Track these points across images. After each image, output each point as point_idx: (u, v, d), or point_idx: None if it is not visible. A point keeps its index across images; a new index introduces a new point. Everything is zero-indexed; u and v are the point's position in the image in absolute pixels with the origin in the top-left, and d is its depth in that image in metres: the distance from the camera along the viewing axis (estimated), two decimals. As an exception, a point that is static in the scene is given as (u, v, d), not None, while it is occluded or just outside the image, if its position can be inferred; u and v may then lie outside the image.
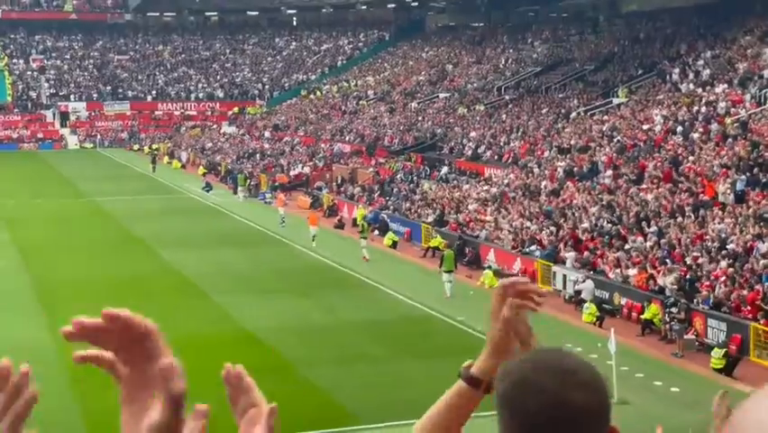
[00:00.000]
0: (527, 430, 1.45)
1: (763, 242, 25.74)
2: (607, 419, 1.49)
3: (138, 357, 1.35)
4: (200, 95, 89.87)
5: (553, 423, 1.44)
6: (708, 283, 25.34)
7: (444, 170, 48.18)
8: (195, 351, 22.94)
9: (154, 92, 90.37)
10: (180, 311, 27.13)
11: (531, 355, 1.55)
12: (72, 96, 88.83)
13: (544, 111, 50.49)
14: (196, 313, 27.13)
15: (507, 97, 56.67)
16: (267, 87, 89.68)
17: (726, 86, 40.17)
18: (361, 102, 71.41)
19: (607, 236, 31.12)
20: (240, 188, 54.12)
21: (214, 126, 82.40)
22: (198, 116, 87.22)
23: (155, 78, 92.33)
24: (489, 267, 32.56)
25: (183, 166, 69.34)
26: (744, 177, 30.45)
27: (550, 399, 1.44)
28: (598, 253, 30.27)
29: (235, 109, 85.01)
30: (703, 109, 38.47)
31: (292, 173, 57.32)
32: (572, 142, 42.27)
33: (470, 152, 48.96)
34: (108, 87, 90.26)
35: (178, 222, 44.20)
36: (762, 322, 22.99)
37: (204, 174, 61.53)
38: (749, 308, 23.54)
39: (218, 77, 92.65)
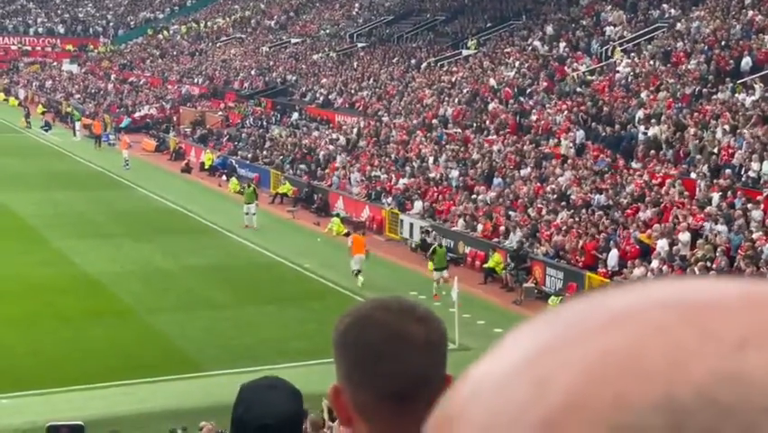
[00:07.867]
0: (367, 362, 1.51)
1: (600, 193, 26.79)
2: (442, 352, 1.57)
3: None
4: (40, 29, 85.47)
5: (392, 352, 1.51)
6: (548, 233, 26.23)
7: (295, 116, 47.79)
8: (32, 295, 22.11)
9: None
10: (15, 254, 26.04)
11: (370, 300, 1.63)
12: None
13: (395, 60, 50.64)
14: (32, 256, 26.06)
15: (359, 45, 56.52)
16: (111, 24, 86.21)
17: (569, 42, 41.28)
18: (211, 44, 69.75)
19: (454, 187, 31.72)
20: (77, 126, 52.29)
21: (55, 64, 78.73)
22: (38, 52, 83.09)
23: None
24: (338, 214, 32.70)
25: (20, 104, 66.14)
26: (582, 131, 31.56)
27: (389, 330, 1.52)
28: (446, 202, 30.82)
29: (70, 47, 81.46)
30: (547, 64, 39.46)
31: (138, 114, 55.60)
32: (422, 92, 42.62)
33: (321, 99, 48.70)
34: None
35: (13, 162, 42.20)
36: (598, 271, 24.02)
37: (43, 113, 58.96)
38: (585, 258, 24.53)
39: (59, 11, 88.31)
